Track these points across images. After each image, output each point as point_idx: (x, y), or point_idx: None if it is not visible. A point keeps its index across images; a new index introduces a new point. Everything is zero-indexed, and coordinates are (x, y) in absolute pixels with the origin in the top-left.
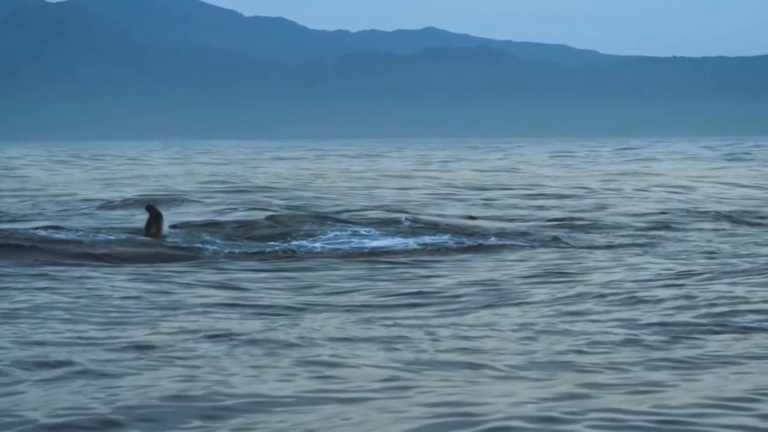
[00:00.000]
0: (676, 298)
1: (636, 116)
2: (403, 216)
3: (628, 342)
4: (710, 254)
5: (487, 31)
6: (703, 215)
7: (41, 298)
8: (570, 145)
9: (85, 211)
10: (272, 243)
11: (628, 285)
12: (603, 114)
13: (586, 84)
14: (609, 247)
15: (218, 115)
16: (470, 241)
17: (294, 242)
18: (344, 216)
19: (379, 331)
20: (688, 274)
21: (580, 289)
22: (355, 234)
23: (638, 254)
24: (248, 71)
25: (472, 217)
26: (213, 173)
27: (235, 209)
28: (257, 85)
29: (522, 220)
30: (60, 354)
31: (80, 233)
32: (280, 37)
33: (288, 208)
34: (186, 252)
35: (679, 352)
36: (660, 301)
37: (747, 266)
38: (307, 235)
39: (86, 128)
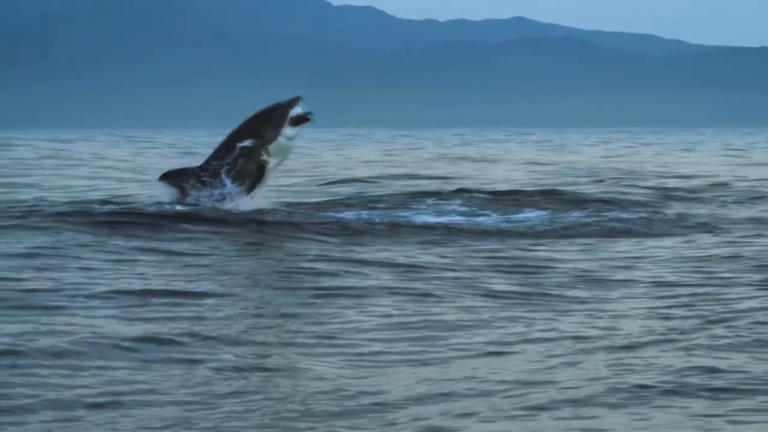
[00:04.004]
0: None
1: (725, 107)
2: None
3: None
4: None
5: (575, 21)
6: None
7: None
8: (665, 136)
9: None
10: None
11: None
12: (689, 104)
13: (673, 74)
14: None
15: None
16: None
17: None
18: None
19: None
20: None
21: None
22: None
23: None
24: (336, 60)
25: None
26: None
27: None
28: (345, 74)
29: None
30: None
31: None
32: (369, 27)
33: None
34: None
35: None
36: None
37: None
38: None
39: (176, 117)
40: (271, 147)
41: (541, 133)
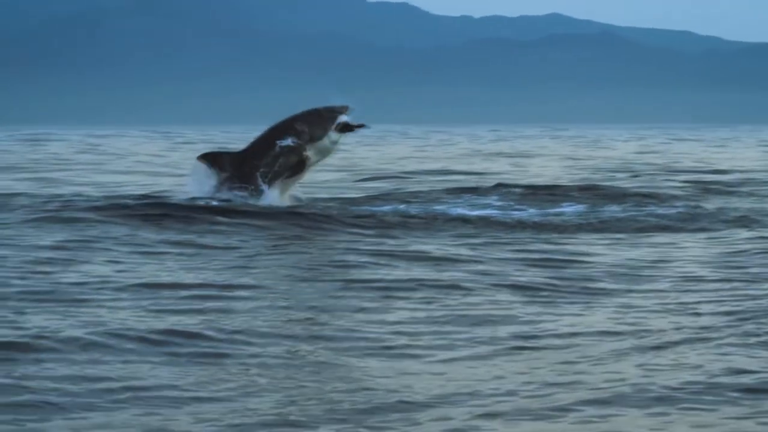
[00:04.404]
0: None
1: (761, 103)
2: None
3: None
4: None
5: (610, 17)
6: None
7: None
8: (701, 133)
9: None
10: None
11: None
12: (725, 101)
13: (709, 70)
14: None
15: (337, 99)
16: None
17: None
18: None
19: None
20: None
21: None
22: None
23: None
24: (370, 57)
25: None
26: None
27: None
28: (379, 71)
29: None
30: None
31: None
32: (404, 23)
33: None
34: None
35: None
36: None
37: None
38: None
39: (210, 113)
40: (316, 146)
41: (575, 129)
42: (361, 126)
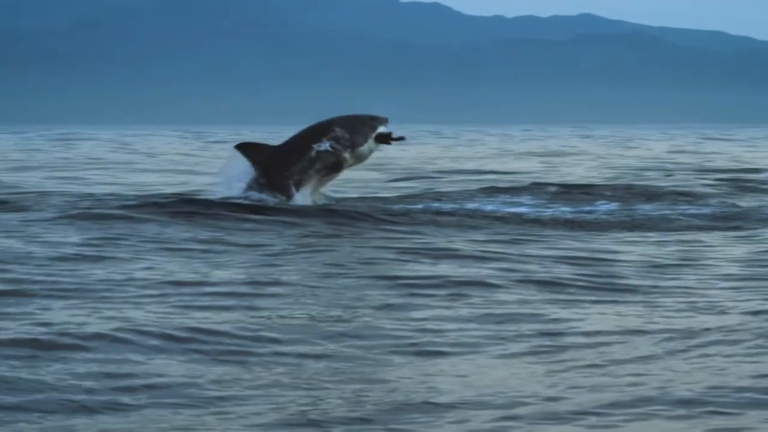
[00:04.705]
0: None
1: None
2: None
3: None
4: None
5: (642, 17)
6: None
7: None
8: (733, 132)
9: None
10: None
11: None
12: (757, 101)
13: (740, 70)
14: None
15: (374, 99)
16: None
17: None
18: None
19: None
20: None
21: None
22: None
23: None
24: (402, 57)
25: None
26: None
27: None
28: (411, 71)
29: None
30: None
31: None
32: (436, 23)
33: None
34: None
35: None
36: None
37: None
38: None
39: (243, 113)
40: (354, 152)
41: (607, 128)
42: (400, 139)
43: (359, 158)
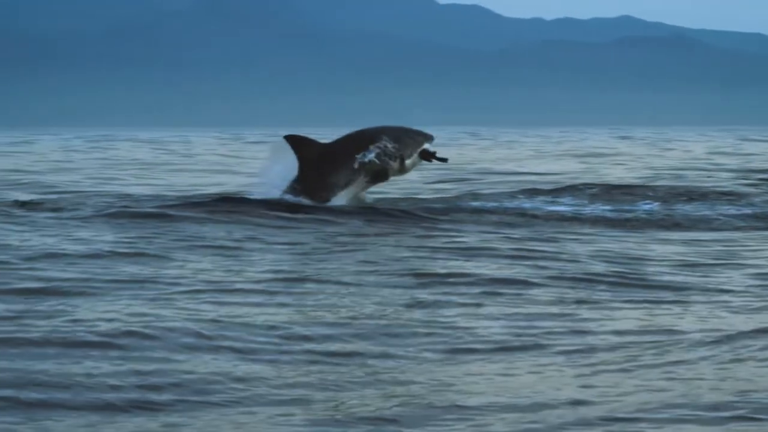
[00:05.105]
0: None
1: None
2: None
3: None
4: None
5: (682, 19)
6: None
7: None
8: None
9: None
10: None
11: None
12: None
13: None
14: None
15: (408, 102)
16: None
17: None
18: None
19: None
20: None
21: None
22: None
23: None
24: (441, 59)
25: None
26: None
27: None
28: (450, 73)
29: None
30: None
31: None
32: (475, 25)
33: None
34: None
35: None
36: None
37: None
38: None
39: (280, 116)
40: (397, 164)
41: (646, 130)
42: (443, 160)
43: (402, 171)
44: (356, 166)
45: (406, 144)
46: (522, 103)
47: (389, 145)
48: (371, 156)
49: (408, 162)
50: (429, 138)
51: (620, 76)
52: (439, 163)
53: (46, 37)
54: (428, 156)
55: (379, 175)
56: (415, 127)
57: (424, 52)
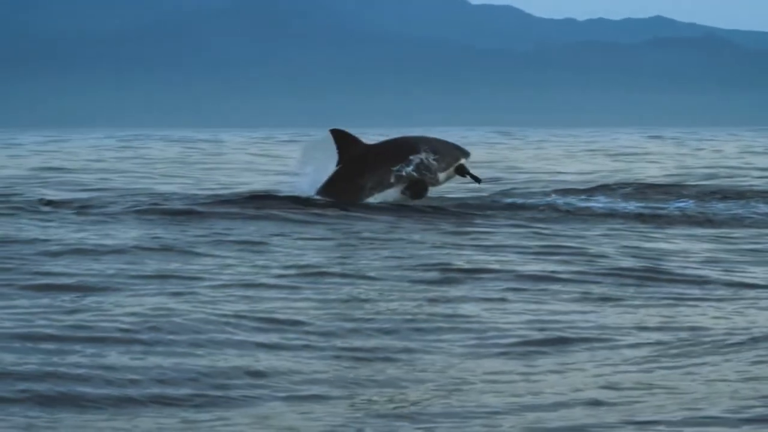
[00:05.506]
0: None
1: None
2: None
3: None
4: None
5: (714, 20)
6: None
7: None
8: None
9: None
10: None
11: None
12: None
13: None
14: None
15: (438, 103)
16: None
17: None
18: None
19: None
20: None
21: None
22: None
23: None
24: (474, 59)
25: None
26: None
27: None
28: (482, 74)
29: None
30: None
31: None
32: (507, 25)
33: None
34: None
35: None
36: None
37: None
38: None
39: (311, 117)
40: (436, 176)
41: (678, 130)
42: (477, 179)
43: (435, 183)
44: (392, 180)
45: (444, 157)
46: (553, 104)
47: (428, 158)
48: (410, 168)
49: (443, 175)
50: (466, 154)
51: (652, 77)
52: (472, 181)
53: (80, 37)
54: (463, 172)
55: (416, 186)
56: (451, 140)
57: (456, 53)
